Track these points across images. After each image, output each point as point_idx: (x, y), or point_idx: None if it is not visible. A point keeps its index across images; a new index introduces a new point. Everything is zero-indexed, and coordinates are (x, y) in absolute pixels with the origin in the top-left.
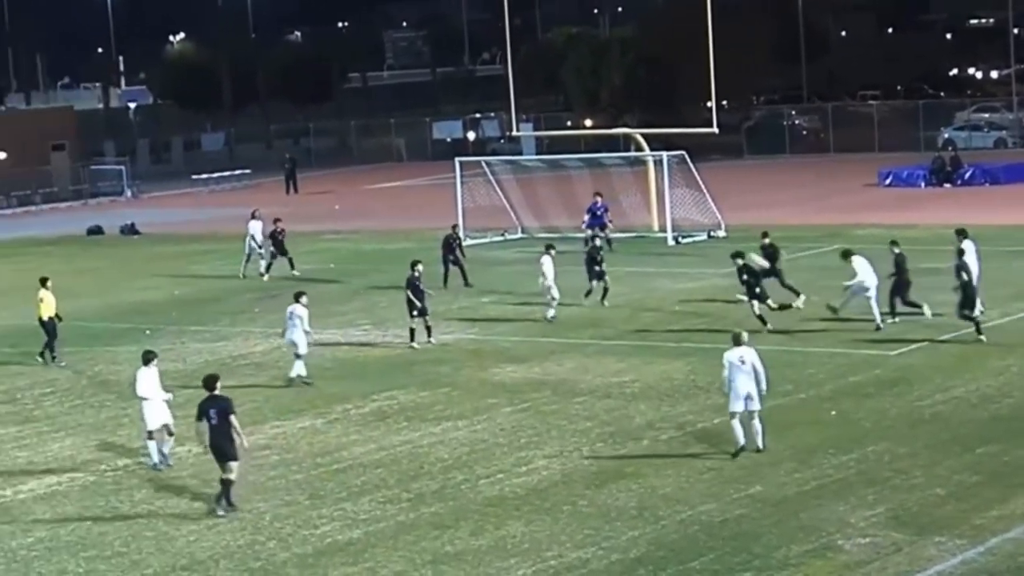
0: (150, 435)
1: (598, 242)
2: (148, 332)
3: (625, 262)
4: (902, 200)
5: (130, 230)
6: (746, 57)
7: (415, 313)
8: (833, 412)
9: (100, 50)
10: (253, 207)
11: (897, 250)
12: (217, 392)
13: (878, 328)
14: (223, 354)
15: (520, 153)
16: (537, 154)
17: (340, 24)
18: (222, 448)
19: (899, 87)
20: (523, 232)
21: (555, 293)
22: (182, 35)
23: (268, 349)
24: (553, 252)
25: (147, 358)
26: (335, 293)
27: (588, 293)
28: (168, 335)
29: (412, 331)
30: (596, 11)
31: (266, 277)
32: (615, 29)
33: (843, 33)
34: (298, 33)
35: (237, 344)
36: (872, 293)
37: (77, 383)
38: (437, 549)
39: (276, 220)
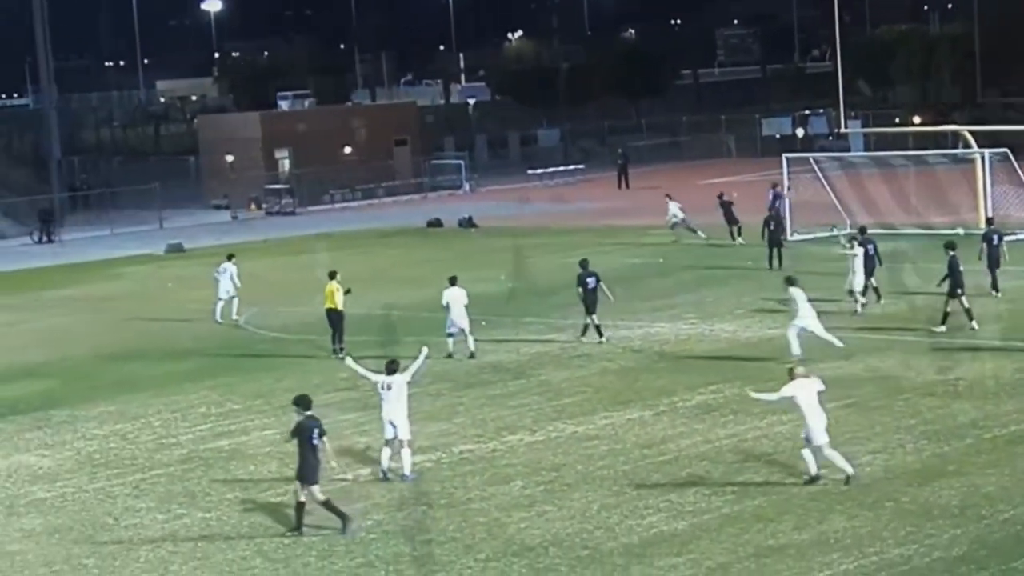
0: (387, 443)
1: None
2: (484, 323)
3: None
4: None
5: (468, 223)
6: None
7: (588, 311)
8: None
9: (441, 48)
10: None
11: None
12: (311, 412)
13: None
14: (554, 346)
15: (848, 150)
16: (865, 151)
17: (673, 21)
18: (312, 471)
19: None
20: (851, 228)
21: (856, 286)
22: (520, 33)
23: (598, 341)
24: (857, 242)
25: (391, 368)
26: (665, 287)
27: (864, 291)
28: (504, 327)
29: (585, 327)
30: (926, 8)
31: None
32: (945, 26)
33: None
34: (632, 30)
35: (569, 336)
36: (802, 324)
37: (428, 371)
38: (760, 542)
39: (720, 193)
